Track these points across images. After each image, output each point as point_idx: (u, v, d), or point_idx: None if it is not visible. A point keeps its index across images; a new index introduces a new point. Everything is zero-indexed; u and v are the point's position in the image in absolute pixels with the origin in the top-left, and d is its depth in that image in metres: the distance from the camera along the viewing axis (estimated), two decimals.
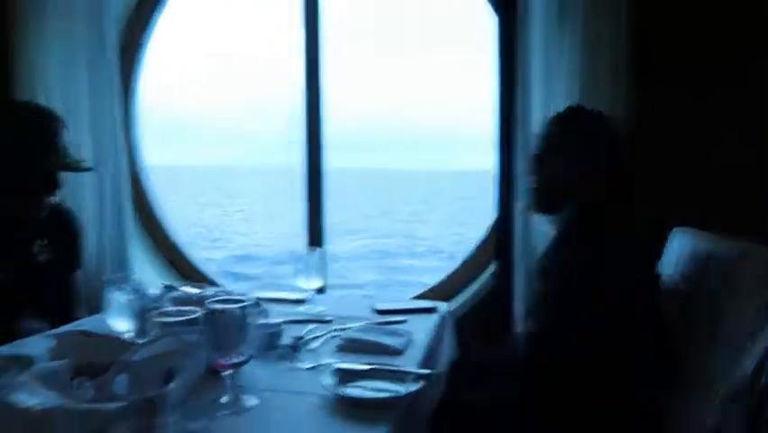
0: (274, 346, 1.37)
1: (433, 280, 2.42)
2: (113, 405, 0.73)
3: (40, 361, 1.13)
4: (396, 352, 1.35)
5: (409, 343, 1.42)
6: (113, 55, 2.33)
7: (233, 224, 17.59)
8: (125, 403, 0.74)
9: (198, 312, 0.99)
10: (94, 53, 2.29)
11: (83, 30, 2.26)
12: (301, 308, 1.72)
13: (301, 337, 1.45)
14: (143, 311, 1.24)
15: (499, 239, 2.12)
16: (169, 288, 1.49)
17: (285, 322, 1.47)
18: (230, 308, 1.00)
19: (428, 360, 1.41)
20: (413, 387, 1.11)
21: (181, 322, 0.96)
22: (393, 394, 1.09)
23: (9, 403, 0.72)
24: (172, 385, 0.81)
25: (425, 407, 1.22)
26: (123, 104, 2.46)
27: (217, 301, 1.04)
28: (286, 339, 1.41)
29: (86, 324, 1.47)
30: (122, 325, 1.24)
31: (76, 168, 1.68)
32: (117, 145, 2.38)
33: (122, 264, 2.44)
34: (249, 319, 1.05)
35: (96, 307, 2.31)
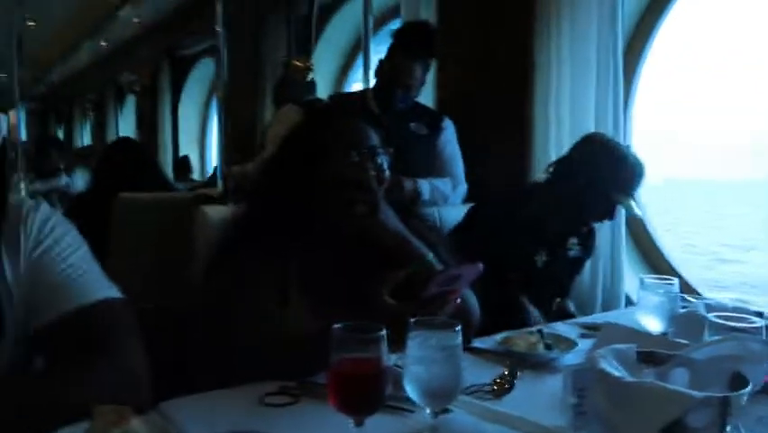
0: None
1: None
2: (697, 393, 0.78)
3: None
4: None
5: None
6: (619, 61, 2.43)
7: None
8: (708, 394, 0.78)
9: (760, 322, 0.96)
10: (602, 58, 2.43)
11: (595, 34, 2.42)
12: None
13: None
14: (674, 313, 1.28)
15: None
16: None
17: None
18: None
19: None
20: None
21: (745, 328, 0.95)
22: None
23: (601, 369, 0.84)
24: (746, 390, 0.81)
25: None
26: (623, 113, 2.56)
27: None
28: None
29: (608, 317, 1.61)
30: (653, 323, 1.31)
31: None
32: None
33: (614, 268, 2.56)
34: None
35: (586, 302, 2.53)
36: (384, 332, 0.85)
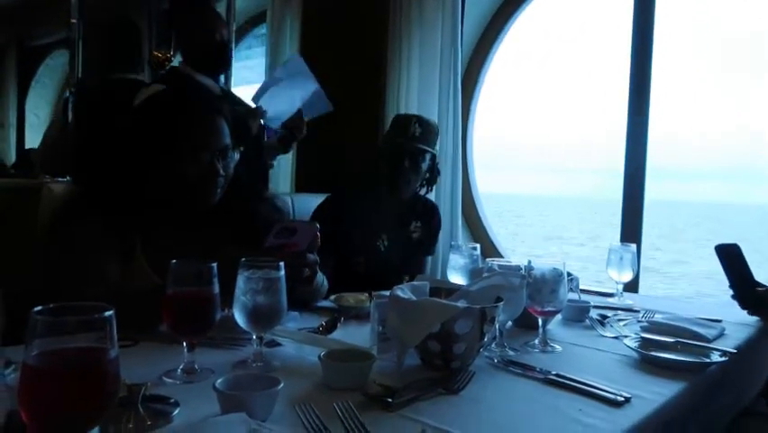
0: (582, 319, 1.53)
1: None
2: (461, 304, 1.01)
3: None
4: (704, 339, 1.37)
5: (721, 335, 1.42)
6: (458, 83, 2.77)
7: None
8: (469, 306, 1.01)
9: (522, 267, 1.23)
10: (444, 79, 2.75)
11: (439, 59, 2.74)
12: (611, 300, 1.83)
13: (607, 317, 1.57)
14: (474, 270, 1.55)
15: None
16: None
17: (594, 306, 1.61)
18: (545, 268, 1.22)
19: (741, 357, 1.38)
20: (716, 359, 1.15)
21: (509, 267, 1.21)
22: (695, 360, 1.15)
23: (395, 295, 1.05)
24: (499, 305, 1.06)
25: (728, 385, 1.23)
26: (462, 127, 2.88)
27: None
28: (593, 315, 1.55)
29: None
30: (458, 279, 1.56)
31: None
32: (456, 159, 2.80)
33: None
34: (561, 281, 1.25)
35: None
36: (214, 265, 0.99)
